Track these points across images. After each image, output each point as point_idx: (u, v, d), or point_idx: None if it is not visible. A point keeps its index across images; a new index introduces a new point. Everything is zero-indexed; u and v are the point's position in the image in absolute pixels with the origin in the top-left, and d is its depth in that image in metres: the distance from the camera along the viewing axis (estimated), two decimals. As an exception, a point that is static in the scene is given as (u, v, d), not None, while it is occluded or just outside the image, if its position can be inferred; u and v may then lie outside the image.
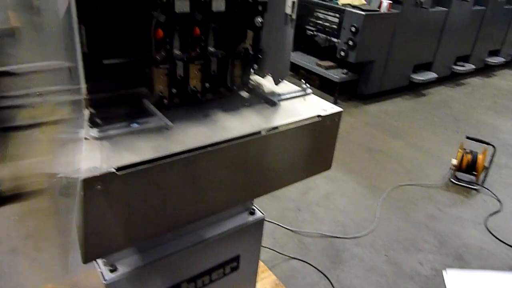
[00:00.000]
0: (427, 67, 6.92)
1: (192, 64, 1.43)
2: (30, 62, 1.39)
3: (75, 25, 1.17)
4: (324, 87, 6.09)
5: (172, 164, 1.20)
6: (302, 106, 1.62)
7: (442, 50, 6.81)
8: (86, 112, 1.27)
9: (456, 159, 4.37)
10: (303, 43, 6.24)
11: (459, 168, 4.40)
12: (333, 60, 5.88)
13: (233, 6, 1.44)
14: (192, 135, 1.30)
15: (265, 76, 1.76)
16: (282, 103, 1.61)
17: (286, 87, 1.76)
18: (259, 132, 1.39)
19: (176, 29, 1.31)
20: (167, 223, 1.33)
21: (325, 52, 5.92)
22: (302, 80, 1.74)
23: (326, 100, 1.69)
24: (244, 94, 1.66)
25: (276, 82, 1.69)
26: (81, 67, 1.22)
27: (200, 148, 1.25)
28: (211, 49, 1.42)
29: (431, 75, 6.83)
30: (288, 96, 1.67)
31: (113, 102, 1.47)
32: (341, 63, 5.77)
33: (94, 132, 1.23)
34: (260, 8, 1.43)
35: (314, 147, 1.60)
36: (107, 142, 1.22)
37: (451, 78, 7.73)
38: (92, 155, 1.14)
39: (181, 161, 1.22)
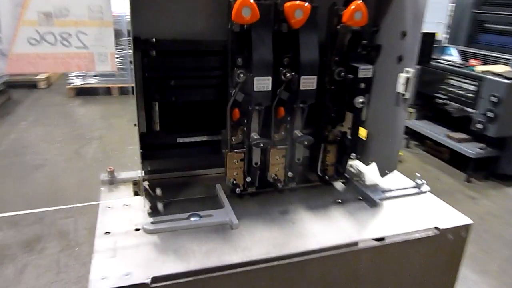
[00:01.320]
0: None
1: (274, 149, 1.20)
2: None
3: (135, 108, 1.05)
4: (454, 161, 5.27)
5: (223, 279, 0.94)
6: (414, 210, 1.23)
7: None
8: (145, 198, 1.12)
9: None
10: (431, 111, 5.61)
11: None
12: (467, 132, 5.09)
13: (327, 83, 1.20)
14: (259, 240, 1.04)
15: (369, 164, 1.43)
16: (387, 204, 1.25)
17: (395, 180, 1.40)
18: (348, 245, 1.06)
19: (255, 109, 1.11)
20: None
21: (457, 123, 5.19)
22: (418, 174, 1.36)
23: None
24: (339, 185, 1.35)
25: (382, 174, 1.34)
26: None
27: (264, 260, 0.97)
28: (298, 132, 1.18)
29: None
30: (395, 193, 1.30)
31: (185, 183, 1.31)
32: (477, 136, 4.95)
33: (148, 223, 1.05)
34: (362, 85, 1.15)
35: (427, 267, 1.18)
36: (158, 237, 1.03)
37: None
38: (134, 253, 0.96)
39: (237, 275, 0.95)
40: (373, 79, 1.33)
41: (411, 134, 5.16)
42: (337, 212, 1.19)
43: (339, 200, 1.25)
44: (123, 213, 1.13)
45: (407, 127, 5.09)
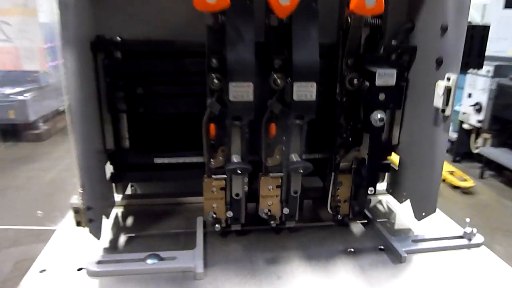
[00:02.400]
0: None
1: (266, 178, 0.94)
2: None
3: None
4: (540, 197, 4.49)
5: None
6: (456, 270, 0.88)
7: None
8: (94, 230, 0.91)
9: None
10: (511, 138, 4.90)
11: None
12: (558, 164, 4.33)
13: (339, 95, 0.92)
14: (226, 300, 0.77)
15: (403, 201, 1.10)
16: (417, 258, 0.91)
17: (437, 225, 1.05)
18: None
19: (234, 124, 0.86)
20: None
21: (545, 152, 4.44)
22: (467, 220, 1.00)
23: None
24: (357, 228, 1.04)
25: (418, 217, 1.01)
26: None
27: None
28: (294, 157, 0.90)
29: None
30: (433, 244, 0.96)
31: (165, 213, 1.09)
32: None
33: (93, 263, 0.84)
34: (381, 97, 0.85)
35: None
36: (100, 282, 0.81)
37: None
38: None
39: None
40: (406, 90, 1.02)
41: (487, 163, 4.51)
42: (344, 265, 0.88)
43: (352, 249, 0.94)
44: (78, 246, 0.93)
45: (481, 155, 4.46)
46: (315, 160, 1.01)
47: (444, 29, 0.88)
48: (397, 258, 0.90)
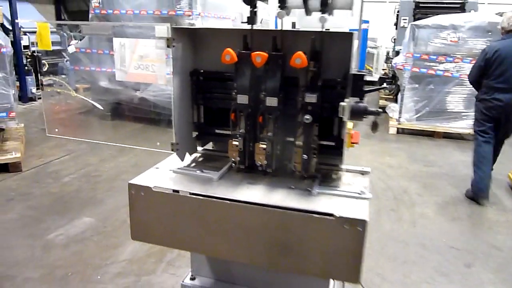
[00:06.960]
0: None
1: (257, 143, 1.86)
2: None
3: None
4: None
5: (185, 198, 1.71)
6: (337, 205, 1.63)
7: None
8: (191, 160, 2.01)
9: None
10: None
11: None
12: None
13: (286, 103, 1.79)
14: (220, 187, 1.75)
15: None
16: (323, 196, 1.70)
17: (356, 186, 1.78)
18: (262, 205, 1.62)
19: (240, 115, 1.83)
20: (184, 242, 1.80)
21: None
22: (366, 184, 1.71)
23: None
24: (308, 180, 1.85)
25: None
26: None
27: (210, 196, 1.69)
28: (269, 134, 1.81)
29: None
30: (336, 192, 1.72)
31: (220, 158, 2.12)
32: None
33: (176, 169, 1.94)
34: (309, 108, 1.68)
35: (331, 248, 1.56)
36: (174, 174, 1.90)
37: None
38: (157, 177, 1.86)
39: (189, 199, 1.69)
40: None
41: None
42: (279, 191, 1.74)
43: (292, 187, 1.79)
44: (176, 162, 2.03)
45: None
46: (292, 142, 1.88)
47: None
48: (310, 194, 1.71)
